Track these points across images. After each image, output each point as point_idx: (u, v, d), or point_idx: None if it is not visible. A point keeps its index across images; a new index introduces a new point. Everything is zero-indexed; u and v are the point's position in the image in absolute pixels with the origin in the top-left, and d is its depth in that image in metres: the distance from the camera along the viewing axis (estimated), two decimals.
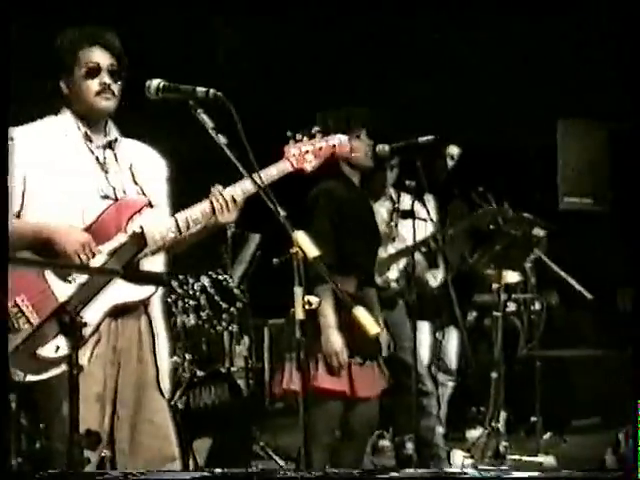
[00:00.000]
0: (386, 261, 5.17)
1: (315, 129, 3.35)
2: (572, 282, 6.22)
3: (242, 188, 3.24)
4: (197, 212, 3.24)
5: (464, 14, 6.27)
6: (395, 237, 5.31)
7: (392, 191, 5.39)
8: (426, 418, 5.22)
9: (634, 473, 2.82)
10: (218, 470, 3.03)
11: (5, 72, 2.92)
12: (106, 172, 3.26)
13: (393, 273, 5.23)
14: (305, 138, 3.33)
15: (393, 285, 5.22)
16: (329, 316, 3.92)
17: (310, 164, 3.34)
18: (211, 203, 3.24)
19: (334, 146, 3.38)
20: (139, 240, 3.20)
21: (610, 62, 6.96)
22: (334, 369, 3.95)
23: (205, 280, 5.20)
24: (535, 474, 3.05)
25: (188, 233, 3.29)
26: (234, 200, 3.23)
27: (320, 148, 3.35)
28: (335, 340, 3.94)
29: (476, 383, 6.33)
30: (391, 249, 5.28)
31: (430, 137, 4.42)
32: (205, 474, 2.89)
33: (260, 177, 3.06)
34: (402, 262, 5.23)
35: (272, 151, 3.32)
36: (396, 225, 5.31)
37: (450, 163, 5.57)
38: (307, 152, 3.33)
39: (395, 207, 5.32)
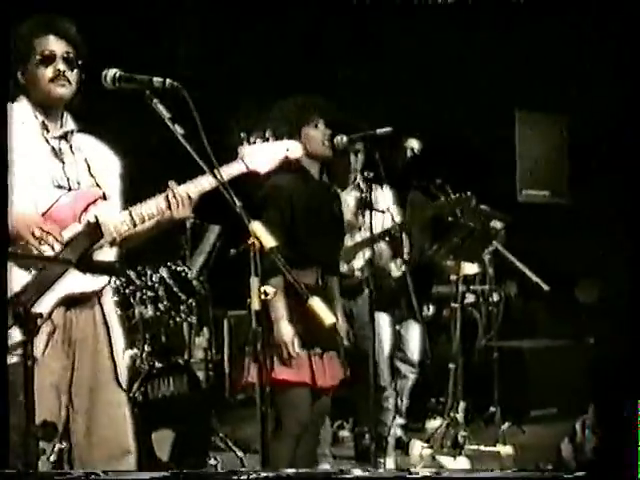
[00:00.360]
0: (351, 249, 5.18)
1: (268, 132, 3.38)
2: (529, 274, 6.27)
3: (197, 185, 3.25)
4: (152, 207, 3.25)
5: (422, 4, 6.29)
6: (362, 226, 5.32)
7: (360, 179, 5.38)
8: (381, 412, 5.25)
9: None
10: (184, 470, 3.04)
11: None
12: (62, 162, 3.25)
13: (358, 262, 5.24)
14: (258, 140, 3.36)
15: (357, 274, 5.24)
16: (279, 308, 3.92)
17: (263, 167, 3.37)
18: (166, 199, 3.24)
19: (287, 150, 3.42)
20: (94, 230, 3.18)
21: (569, 54, 7.01)
22: (285, 360, 3.94)
23: (164, 271, 5.18)
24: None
25: (142, 228, 3.30)
26: (189, 197, 3.24)
27: (274, 151, 3.39)
28: (285, 331, 3.94)
29: (435, 374, 6.36)
30: (358, 238, 5.29)
31: (388, 129, 4.42)
32: (165, 474, 2.89)
33: (220, 172, 3.07)
34: (368, 251, 5.25)
35: (226, 149, 3.33)
36: (363, 215, 5.31)
37: (409, 155, 5.60)
38: (261, 154, 3.35)
39: (363, 196, 5.31)
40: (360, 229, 5.28)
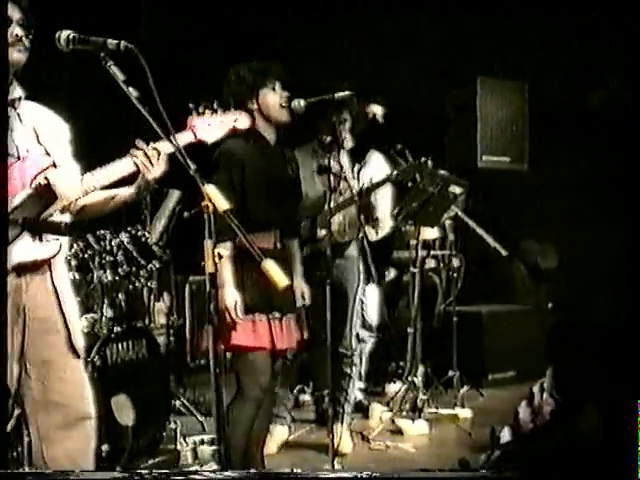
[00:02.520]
0: (327, 213, 5.17)
1: (216, 103, 3.35)
2: (488, 239, 6.28)
3: (160, 146, 3.20)
4: (118, 168, 3.19)
5: None
6: (342, 190, 5.29)
7: (319, 148, 5.32)
8: (342, 378, 5.24)
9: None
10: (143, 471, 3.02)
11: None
12: (10, 130, 3.18)
13: (334, 225, 5.23)
14: (207, 111, 3.32)
15: (338, 237, 5.22)
16: (225, 272, 3.88)
17: (211, 137, 3.33)
18: (133, 159, 3.18)
19: (235, 120, 3.38)
20: (45, 193, 3.13)
21: (530, 19, 7.01)
22: (229, 326, 3.91)
23: (123, 236, 5.13)
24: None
25: (118, 199, 3.28)
26: (159, 153, 3.19)
27: (222, 122, 3.35)
28: (228, 297, 3.90)
29: (395, 339, 6.39)
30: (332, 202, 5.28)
31: (347, 93, 4.39)
32: (126, 475, 2.88)
33: (174, 136, 3.04)
34: (347, 215, 5.23)
35: (175, 118, 3.29)
36: (329, 180, 5.29)
37: (370, 119, 5.58)
38: (209, 125, 3.32)
39: (325, 161, 5.27)
40: (341, 192, 5.26)
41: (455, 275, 6.59)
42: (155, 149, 3.18)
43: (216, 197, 2.91)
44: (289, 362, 4.64)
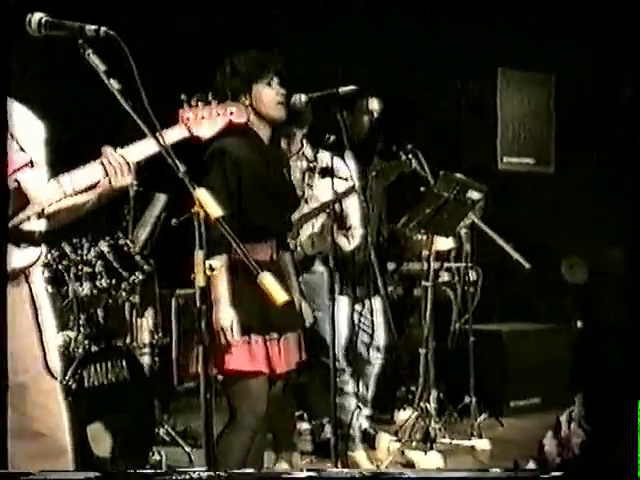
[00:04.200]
0: (296, 223, 5.19)
1: (210, 94, 3.35)
2: (509, 250, 6.29)
3: (137, 149, 3.22)
4: (85, 176, 3.20)
5: None
6: (309, 198, 5.31)
7: (308, 148, 5.37)
8: (341, 397, 5.25)
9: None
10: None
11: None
12: None
13: (303, 236, 5.25)
14: (200, 104, 3.32)
15: (307, 249, 5.24)
16: (220, 287, 3.88)
17: (206, 132, 3.34)
18: (102, 165, 3.19)
19: (231, 114, 3.38)
20: (16, 195, 3.13)
21: (556, 5, 7.01)
22: (224, 348, 3.92)
23: (103, 245, 5.15)
24: None
25: (78, 200, 3.26)
26: (127, 163, 3.20)
27: (217, 114, 3.35)
28: (223, 315, 3.90)
29: (405, 360, 6.39)
30: (305, 209, 5.28)
31: (352, 87, 4.41)
32: (97, 474, 2.89)
33: (161, 135, 3.04)
34: (316, 224, 5.25)
35: (166, 111, 3.29)
36: (310, 185, 5.30)
37: (372, 118, 5.60)
38: (203, 118, 3.32)
39: (310, 166, 5.31)
40: (307, 201, 5.28)
41: (472, 290, 6.57)
42: (122, 157, 3.20)
43: (208, 203, 2.91)
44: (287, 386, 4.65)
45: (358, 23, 7.14)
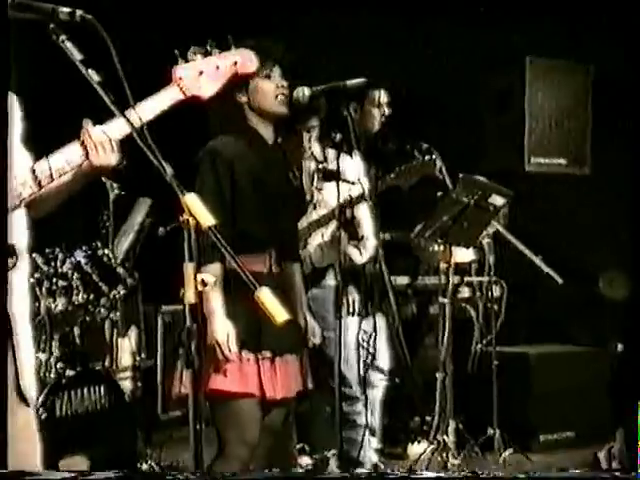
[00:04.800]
0: (304, 232, 5.26)
1: (210, 42, 3.32)
2: (539, 263, 6.31)
3: (120, 127, 3.20)
4: (62, 158, 3.22)
5: None
6: (317, 203, 5.38)
7: (317, 147, 5.45)
8: (351, 429, 5.30)
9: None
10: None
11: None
12: None
13: (312, 246, 5.32)
14: (199, 56, 3.29)
15: (316, 261, 5.31)
16: (214, 300, 3.97)
17: (207, 89, 3.30)
18: (82, 144, 3.21)
19: (235, 64, 3.33)
20: None
21: None
22: (219, 364, 3.99)
23: (79, 255, 5.19)
24: None
25: (53, 187, 3.27)
26: (109, 139, 3.21)
27: (217, 67, 3.31)
28: (219, 328, 3.99)
29: (419, 386, 6.40)
30: (314, 216, 5.35)
31: (361, 80, 4.47)
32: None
33: (139, 117, 3.07)
34: (326, 233, 5.32)
35: (157, 76, 3.30)
36: (319, 189, 5.37)
37: (383, 113, 5.65)
38: (201, 73, 3.28)
39: (320, 167, 5.37)
40: (316, 206, 5.35)
41: (495, 307, 6.62)
42: (104, 133, 3.19)
43: (199, 209, 2.93)
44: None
45: (368, 5, 7.16)
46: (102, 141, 3.21)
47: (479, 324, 6.79)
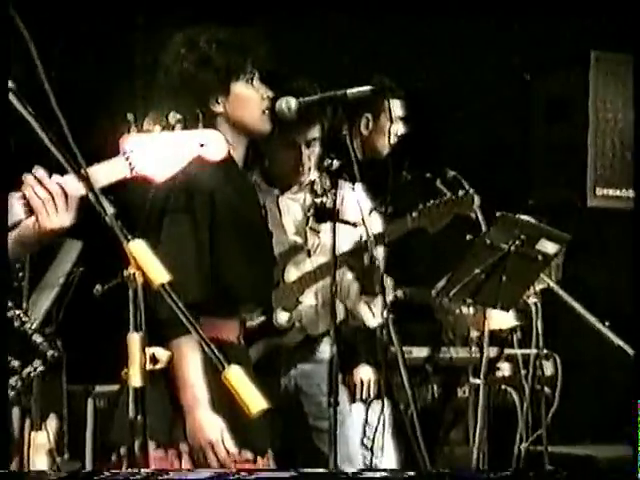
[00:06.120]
0: (294, 287, 5.40)
1: (174, 116, 3.48)
2: (604, 330, 6.31)
3: (68, 181, 3.33)
4: None
5: None
6: (313, 249, 5.51)
7: (315, 173, 5.59)
8: None
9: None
10: None
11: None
12: None
13: (304, 306, 5.46)
14: (156, 127, 3.44)
15: (309, 327, 5.46)
16: (196, 386, 4.05)
17: (160, 172, 3.46)
18: (24, 199, 3.33)
19: (202, 145, 3.48)
20: None
21: None
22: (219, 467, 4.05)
23: None
24: None
25: None
26: (65, 193, 3.34)
27: (181, 145, 3.47)
28: (207, 425, 4.06)
29: None
30: (308, 266, 5.50)
31: (366, 88, 4.56)
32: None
33: (85, 170, 3.18)
34: (323, 290, 5.45)
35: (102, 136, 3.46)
36: (315, 230, 5.51)
37: (395, 132, 5.73)
38: (155, 150, 3.42)
39: (317, 201, 5.44)
40: (310, 253, 5.50)
41: (547, 390, 6.71)
42: (59, 185, 3.32)
43: (149, 261, 2.99)
44: None
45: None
46: (54, 196, 3.34)
47: (523, 414, 6.81)
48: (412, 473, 3.88)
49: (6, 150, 3.24)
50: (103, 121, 3.39)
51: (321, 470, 4.61)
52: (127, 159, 3.41)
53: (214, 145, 3.49)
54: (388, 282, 5.51)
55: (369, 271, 5.40)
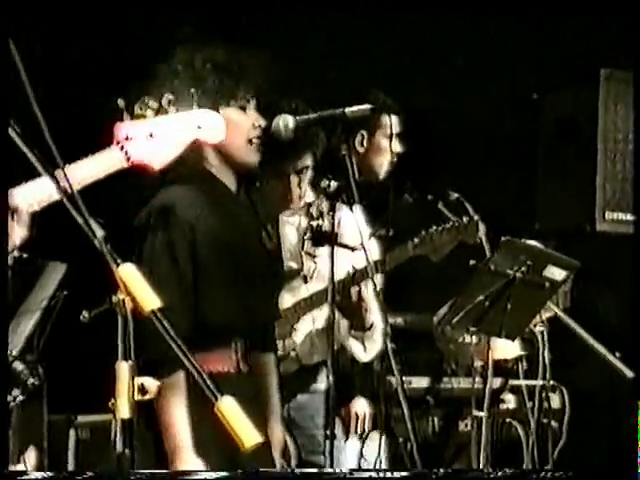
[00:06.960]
0: (289, 314, 5.42)
1: (167, 97, 3.47)
2: (615, 362, 6.29)
3: (39, 191, 3.32)
4: None
5: None
6: (310, 275, 5.50)
7: (311, 196, 5.62)
8: None
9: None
10: None
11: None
12: None
13: (299, 335, 5.45)
14: (149, 111, 3.45)
15: (304, 357, 5.45)
16: (181, 432, 4.08)
17: (158, 158, 3.47)
18: None
19: (199, 128, 3.49)
20: None
21: None
22: None
23: None
24: None
25: None
26: (15, 209, 3.32)
27: (176, 128, 3.47)
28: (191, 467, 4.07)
29: None
30: (304, 292, 5.53)
31: (366, 107, 4.61)
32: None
33: (67, 178, 3.09)
34: (319, 317, 5.46)
35: (96, 130, 3.46)
36: (311, 255, 5.54)
37: (395, 152, 5.74)
38: (152, 135, 3.43)
39: (313, 225, 5.44)
40: (307, 279, 5.52)
41: (554, 424, 6.73)
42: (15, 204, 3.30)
43: (139, 287, 2.97)
44: None
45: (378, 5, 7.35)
46: (17, 211, 3.34)
47: (529, 449, 6.83)
48: None
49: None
50: (93, 111, 3.34)
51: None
52: (122, 148, 3.41)
53: (212, 126, 3.51)
54: (380, 315, 5.47)
55: (357, 307, 5.46)
